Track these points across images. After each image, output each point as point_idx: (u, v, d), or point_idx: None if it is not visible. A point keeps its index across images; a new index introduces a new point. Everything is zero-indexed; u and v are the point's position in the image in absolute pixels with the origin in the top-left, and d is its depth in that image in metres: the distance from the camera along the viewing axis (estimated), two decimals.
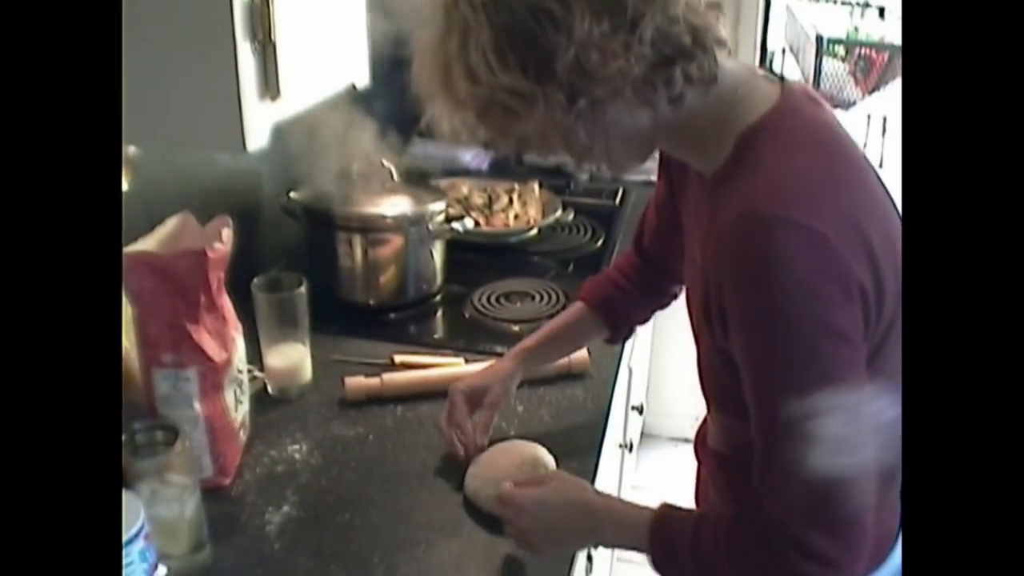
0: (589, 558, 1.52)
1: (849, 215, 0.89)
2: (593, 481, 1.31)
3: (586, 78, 0.88)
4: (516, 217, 2.20)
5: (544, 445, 1.32)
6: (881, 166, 4.32)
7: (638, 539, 1.03)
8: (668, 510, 1.05)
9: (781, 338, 0.89)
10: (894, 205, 0.98)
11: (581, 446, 1.38)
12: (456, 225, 1.82)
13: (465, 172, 2.55)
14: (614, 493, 2.22)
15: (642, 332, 2.42)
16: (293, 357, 1.49)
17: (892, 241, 0.91)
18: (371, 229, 1.74)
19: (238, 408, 1.28)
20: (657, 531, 1.03)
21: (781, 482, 0.94)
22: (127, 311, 1.18)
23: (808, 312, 0.87)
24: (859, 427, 0.90)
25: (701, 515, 1.04)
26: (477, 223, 2.09)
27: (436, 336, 1.77)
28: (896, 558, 1.11)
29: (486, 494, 1.22)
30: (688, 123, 0.97)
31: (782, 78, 1.00)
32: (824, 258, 0.86)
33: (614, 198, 2.45)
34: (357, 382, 1.48)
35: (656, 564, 1.05)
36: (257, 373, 1.48)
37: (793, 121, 0.95)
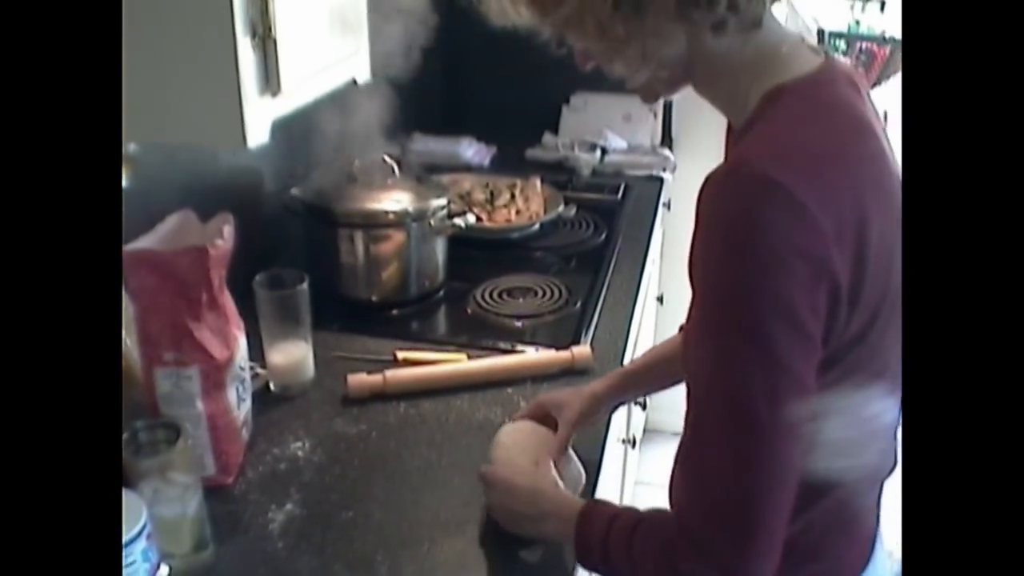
0: None
1: (845, 200, 0.85)
2: (597, 477, 1.31)
3: None
4: (518, 213, 2.19)
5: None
6: None
7: (568, 533, 1.04)
8: (592, 506, 1.05)
9: (729, 302, 0.85)
10: None
11: (584, 442, 1.37)
12: (458, 221, 1.81)
13: (467, 168, 2.55)
14: (618, 489, 2.22)
15: (645, 328, 2.42)
16: (295, 354, 1.48)
17: (893, 242, 0.89)
18: (373, 225, 1.73)
19: (240, 406, 1.28)
20: (580, 526, 1.03)
21: (697, 468, 0.91)
22: (128, 309, 1.18)
23: (767, 281, 0.82)
24: (792, 432, 0.86)
25: (617, 513, 1.02)
26: (479, 219, 2.09)
27: (439, 332, 1.77)
28: (878, 555, 1.11)
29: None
30: (724, 65, 0.94)
31: (827, 52, 0.98)
32: (801, 231, 0.81)
33: (616, 193, 2.44)
34: (360, 379, 1.47)
35: (579, 558, 1.05)
36: (259, 371, 1.48)
37: (821, 93, 0.93)
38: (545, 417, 1.31)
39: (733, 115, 0.98)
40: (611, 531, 0.99)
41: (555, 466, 1.21)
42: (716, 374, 0.87)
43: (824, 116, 0.91)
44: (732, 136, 0.99)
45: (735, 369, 0.85)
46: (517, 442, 1.26)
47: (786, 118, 0.90)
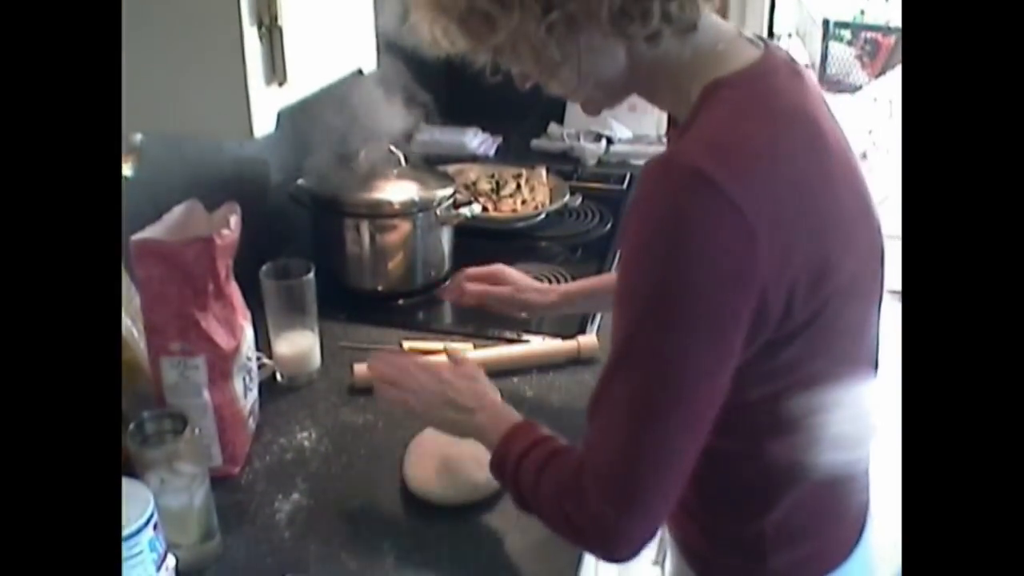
0: None
1: (782, 191, 0.85)
2: None
3: None
4: (524, 202, 2.19)
5: (554, 430, 1.30)
6: (888, 151, 4.29)
7: (493, 435, 1.07)
8: (526, 424, 1.07)
9: (649, 291, 0.85)
10: (863, 192, 0.97)
11: None
12: (464, 211, 1.81)
13: (472, 158, 2.54)
14: None
15: None
16: (302, 344, 1.49)
17: (839, 232, 0.90)
18: (379, 215, 1.73)
19: (247, 396, 1.28)
20: (506, 436, 1.05)
21: (595, 430, 0.93)
22: (135, 299, 1.18)
23: (689, 278, 0.83)
24: (689, 421, 0.88)
25: (542, 438, 1.03)
26: (485, 209, 2.08)
27: (445, 322, 1.76)
28: (866, 538, 1.11)
29: (437, 490, 1.22)
30: (663, 70, 0.94)
31: (766, 43, 0.97)
32: (728, 229, 0.82)
33: (622, 183, 2.44)
34: (366, 369, 1.47)
35: (492, 466, 1.07)
36: (266, 360, 1.48)
37: (758, 85, 0.92)
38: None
39: (677, 112, 0.98)
40: (529, 453, 1.01)
41: None
42: (629, 352, 0.89)
43: (761, 107, 0.91)
44: (675, 131, 0.99)
45: (645, 353, 0.87)
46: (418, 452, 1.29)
47: (724, 111, 0.90)
